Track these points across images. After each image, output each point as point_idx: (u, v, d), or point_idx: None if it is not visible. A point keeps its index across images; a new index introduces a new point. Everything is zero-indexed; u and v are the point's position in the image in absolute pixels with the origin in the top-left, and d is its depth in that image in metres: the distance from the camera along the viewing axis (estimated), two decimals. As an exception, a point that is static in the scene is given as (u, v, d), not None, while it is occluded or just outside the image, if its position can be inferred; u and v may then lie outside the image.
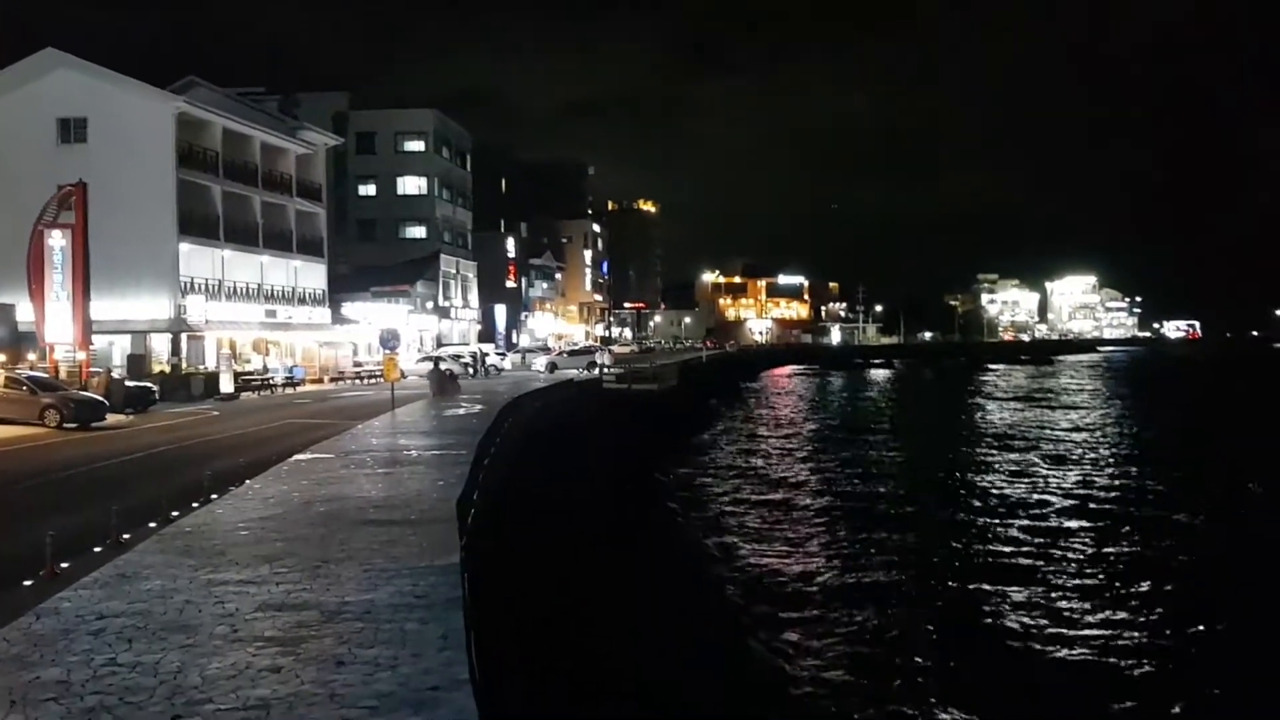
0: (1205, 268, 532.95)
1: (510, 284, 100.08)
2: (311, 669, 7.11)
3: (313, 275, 61.74)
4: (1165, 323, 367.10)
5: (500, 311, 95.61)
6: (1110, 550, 25.85)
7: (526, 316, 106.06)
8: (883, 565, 23.95)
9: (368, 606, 8.78)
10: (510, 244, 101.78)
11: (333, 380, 56.48)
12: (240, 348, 52.48)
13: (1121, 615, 19.94)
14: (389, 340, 34.65)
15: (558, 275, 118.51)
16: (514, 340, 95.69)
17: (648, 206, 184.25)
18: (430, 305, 78.67)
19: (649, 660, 13.77)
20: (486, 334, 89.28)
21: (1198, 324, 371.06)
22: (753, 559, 25.04)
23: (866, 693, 15.69)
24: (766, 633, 18.24)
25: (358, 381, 56.21)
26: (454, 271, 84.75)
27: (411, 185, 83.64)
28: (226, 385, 44.41)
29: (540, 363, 65.49)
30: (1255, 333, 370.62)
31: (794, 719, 13.86)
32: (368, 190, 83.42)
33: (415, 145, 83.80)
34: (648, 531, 24.64)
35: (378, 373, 51.16)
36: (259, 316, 55.05)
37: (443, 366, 48.33)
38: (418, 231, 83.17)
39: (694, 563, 23.17)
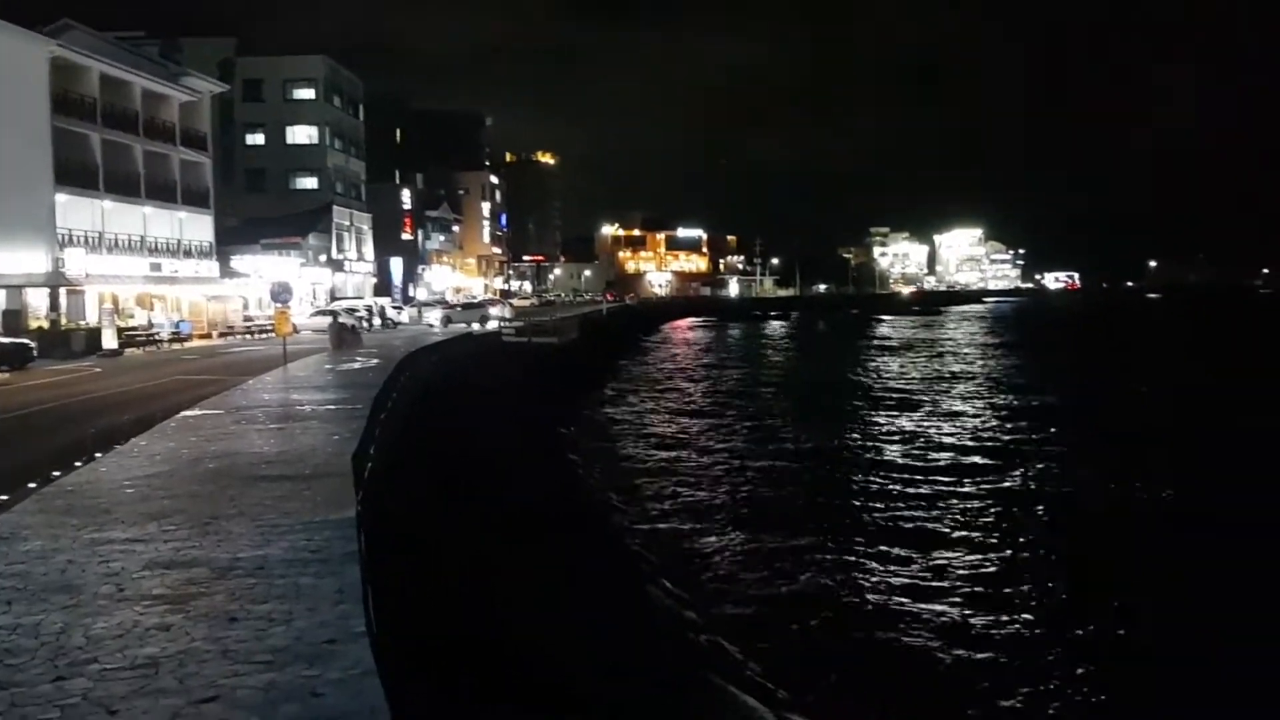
0: (1084, 220, 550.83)
1: (406, 236, 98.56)
2: (202, 626, 6.96)
3: (199, 227, 59.88)
4: (1046, 274, 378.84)
5: (396, 264, 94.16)
6: (994, 504, 26.75)
7: (423, 269, 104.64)
8: (779, 519, 24.36)
9: (260, 562, 8.61)
10: (406, 195, 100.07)
11: (222, 335, 55.08)
12: (123, 302, 50.76)
13: (1006, 574, 20.71)
14: (280, 294, 33.87)
15: (455, 228, 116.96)
16: (411, 294, 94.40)
17: (547, 158, 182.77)
18: (323, 258, 77.05)
19: (548, 609, 13.83)
20: (382, 287, 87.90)
21: (1076, 275, 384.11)
22: (653, 510, 25.28)
23: (762, 640, 16.02)
24: (667, 580, 18.45)
25: (248, 336, 54.90)
26: (347, 223, 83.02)
27: (302, 134, 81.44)
28: (109, 341, 42.94)
29: (434, 316, 64.81)
30: (1130, 283, 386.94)
31: (695, 665, 14.06)
32: (256, 139, 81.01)
33: (305, 93, 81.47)
34: (548, 484, 24.65)
35: (269, 327, 50.00)
36: (143, 270, 53.25)
37: (342, 320, 47.63)
38: (309, 182, 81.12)
39: (594, 513, 23.27)
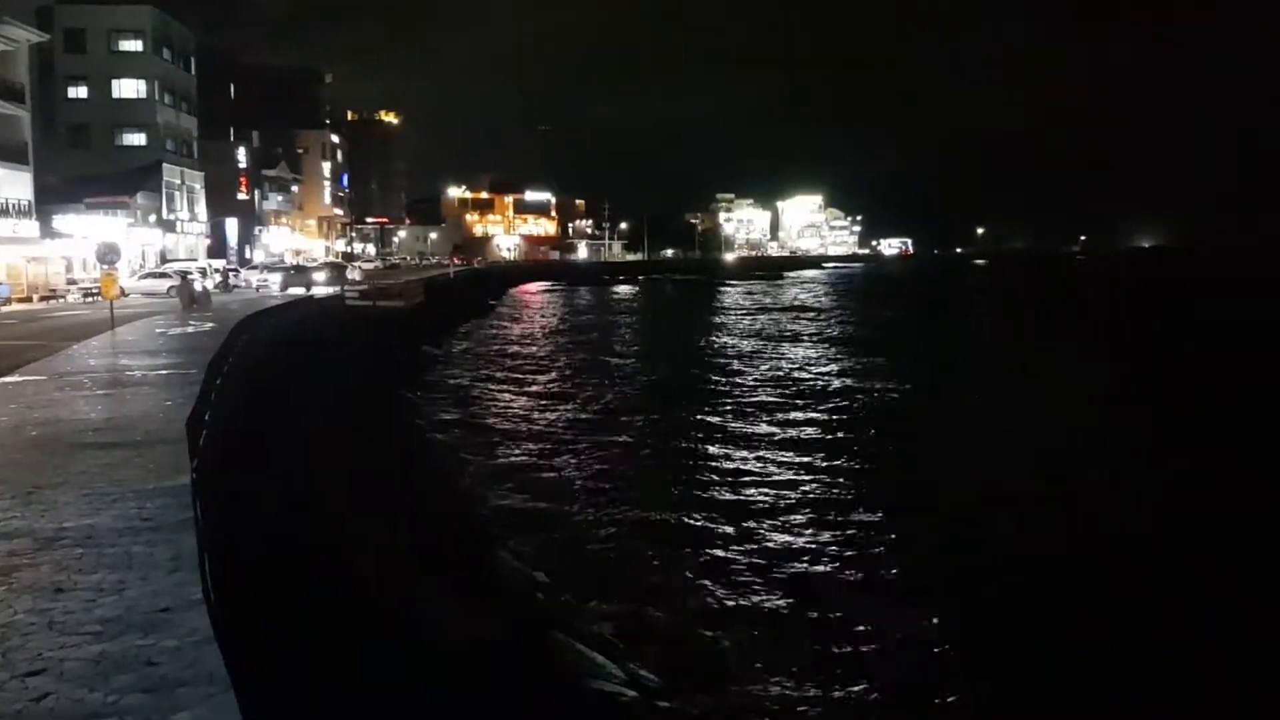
0: (917, 188, 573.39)
1: (242, 196, 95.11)
2: (26, 598, 6.70)
3: (16, 184, 56.26)
4: (882, 241, 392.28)
5: (231, 225, 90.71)
6: (841, 479, 27.69)
7: (261, 231, 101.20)
8: (623, 480, 24.66)
9: (89, 531, 8.31)
10: (241, 154, 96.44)
11: (43, 299, 52.14)
12: (-69, 264, 47.58)
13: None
14: (107, 255, 32.39)
15: (294, 188, 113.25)
16: (248, 255, 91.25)
17: (390, 118, 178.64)
18: (153, 218, 73.62)
19: (398, 576, 13.73)
20: (217, 249, 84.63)
21: (910, 242, 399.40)
22: (499, 473, 25.25)
23: (608, 601, 16.26)
24: (514, 542, 18.54)
25: (71, 300, 52.17)
26: (179, 182, 79.42)
27: (129, 88, 77.24)
28: (-84, 305, 40.23)
29: (273, 279, 62.70)
30: (959, 249, 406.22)
31: (540, 622, 14.20)
32: (79, 93, 76.49)
33: (132, 44, 77.23)
34: (392, 448, 24.38)
35: (95, 290, 47.62)
36: (-47, 230, 49.96)
37: (193, 281, 45.95)
38: (137, 139, 77.15)
39: (441, 478, 23.14)
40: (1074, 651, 14.11)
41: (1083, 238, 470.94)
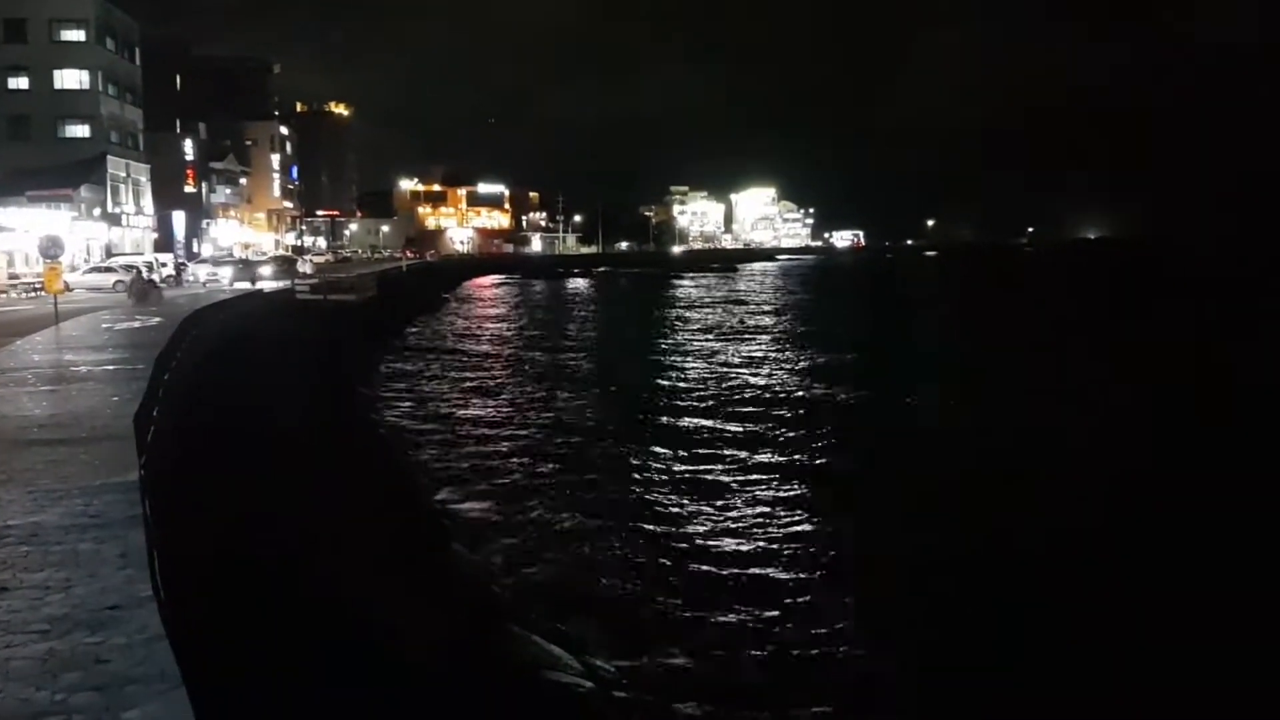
0: (869, 181, 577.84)
1: (189, 189, 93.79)
2: (-31, 598, 6.57)
3: (-45, 177, 55.18)
4: (835, 233, 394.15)
5: (179, 219, 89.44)
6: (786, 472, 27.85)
7: (209, 224, 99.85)
8: (578, 478, 24.59)
9: (34, 529, 8.17)
10: (188, 145, 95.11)
11: (-16, 294, 51.06)
12: None
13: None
14: (50, 249, 31.82)
15: (243, 180, 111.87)
16: (195, 249, 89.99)
17: (340, 109, 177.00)
18: (98, 212, 72.40)
19: (352, 573, 13.63)
20: (164, 243, 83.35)
21: (861, 234, 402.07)
22: (452, 469, 25.14)
23: (564, 589, 16.26)
24: (469, 538, 18.49)
25: (14, 295, 51.12)
26: (124, 175, 78.13)
27: (71, 79, 75.74)
28: None
29: (216, 273, 61.80)
30: (910, 241, 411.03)
31: (497, 616, 14.17)
32: (19, 83, 74.91)
33: (75, 34, 75.70)
34: (344, 444, 24.19)
35: (38, 285, 46.72)
36: (-111, 223, 48.76)
37: (144, 275, 45.35)
38: (80, 130, 75.71)
39: (394, 474, 22.99)
40: (1045, 651, 14.27)
41: (1030, 229, 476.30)
